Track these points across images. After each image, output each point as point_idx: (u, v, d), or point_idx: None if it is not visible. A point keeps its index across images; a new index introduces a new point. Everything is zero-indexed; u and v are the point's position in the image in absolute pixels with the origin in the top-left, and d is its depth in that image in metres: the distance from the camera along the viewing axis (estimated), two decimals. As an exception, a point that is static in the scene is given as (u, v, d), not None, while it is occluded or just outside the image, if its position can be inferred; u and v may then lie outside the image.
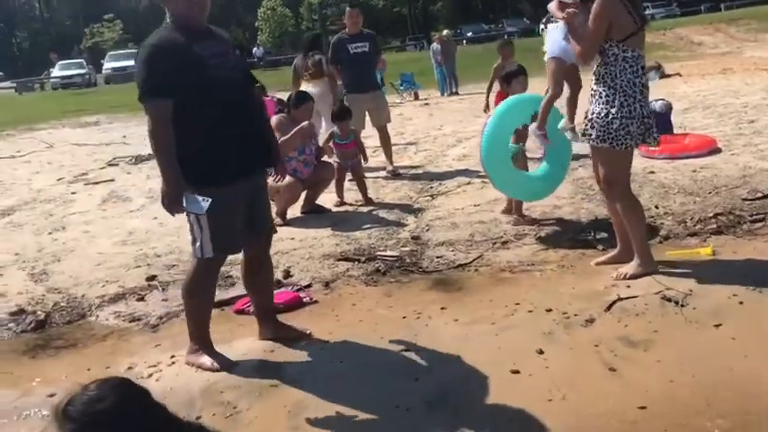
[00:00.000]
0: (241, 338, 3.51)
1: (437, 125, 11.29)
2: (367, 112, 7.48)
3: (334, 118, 6.47)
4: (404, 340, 3.45)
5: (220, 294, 4.03)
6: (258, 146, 3.28)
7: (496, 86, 6.48)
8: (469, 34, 42.17)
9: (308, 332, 3.58)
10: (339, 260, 4.77)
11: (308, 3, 60.42)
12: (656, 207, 5.10)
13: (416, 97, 17.61)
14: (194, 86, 2.98)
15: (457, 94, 17.75)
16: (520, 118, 5.04)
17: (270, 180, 3.66)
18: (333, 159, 6.36)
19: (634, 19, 3.72)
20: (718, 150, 6.68)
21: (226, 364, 3.26)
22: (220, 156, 3.11)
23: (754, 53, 20.04)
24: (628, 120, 3.71)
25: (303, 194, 6.00)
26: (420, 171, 7.59)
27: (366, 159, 6.63)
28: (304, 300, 4.11)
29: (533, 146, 5.69)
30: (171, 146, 3.02)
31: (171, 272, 4.82)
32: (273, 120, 5.34)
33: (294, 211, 5.92)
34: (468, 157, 7.84)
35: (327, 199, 6.29)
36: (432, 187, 6.69)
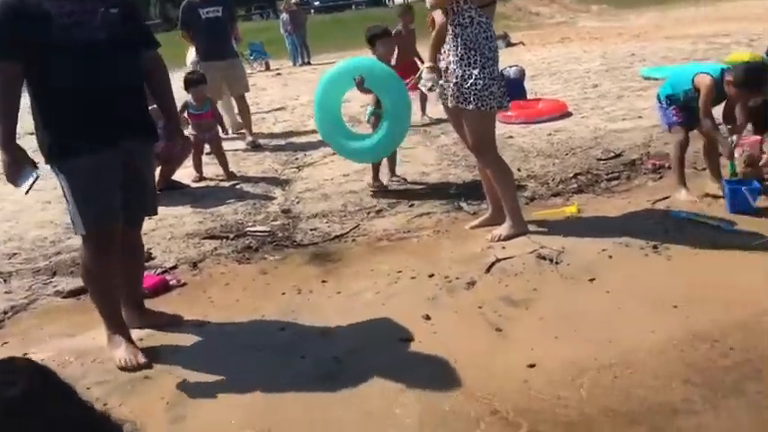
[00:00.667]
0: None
1: (293, 95, 11.04)
2: (223, 81, 7.11)
3: (187, 85, 6.05)
4: (286, 317, 3.29)
5: (77, 281, 3.66)
6: (127, 115, 2.93)
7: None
8: (317, 3, 41.73)
9: (180, 317, 3.32)
10: (205, 238, 4.50)
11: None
12: (519, 170, 5.24)
13: (267, 67, 17.17)
14: (42, 46, 2.68)
15: (309, 63, 17.50)
16: (345, 84, 4.89)
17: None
18: (188, 131, 5.96)
19: None
20: (569, 114, 7.01)
21: (135, 363, 2.94)
22: (70, 123, 2.81)
23: (587, 23, 21.43)
24: (490, 81, 3.76)
25: (157, 170, 5.60)
26: (282, 142, 7.36)
27: (225, 131, 6.30)
28: (171, 283, 3.82)
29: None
30: (11, 111, 2.74)
31: (12, 261, 4.33)
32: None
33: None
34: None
35: (184, 174, 5.92)
36: (297, 158, 6.50)
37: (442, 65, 3.94)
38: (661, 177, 4.79)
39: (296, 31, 18.08)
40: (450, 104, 3.91)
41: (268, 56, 17.71)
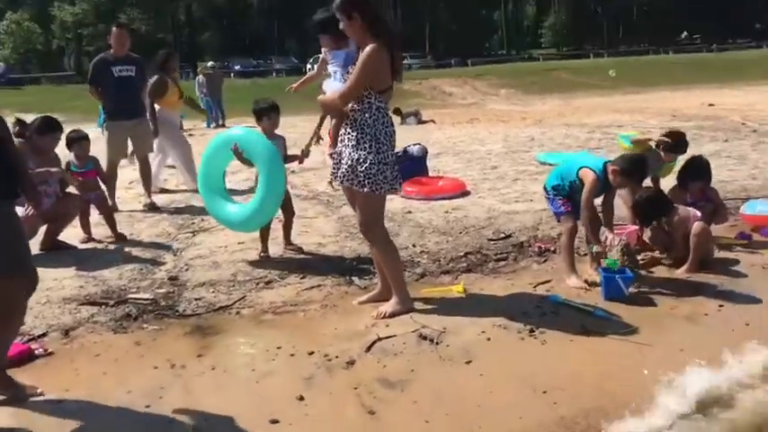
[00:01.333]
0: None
1: (201, 157, 10.88)
2: (130, 141, 7.00)
3: (69, 143, 5.83)
4: (153, 394, 3.14)
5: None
6: None
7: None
8: (238, 67, 42.12)
9: (38, 390, 3.12)
10: (83, 304, 4.28)
11: (60, 20, 56.06)
12: (414, 246, 5.33)
13: (180, 128, 16.92)
14: None
15: (224, 126, 17.40)
16: (226, 156, 5.01)
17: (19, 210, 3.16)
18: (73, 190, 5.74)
19: (392, 76, 3.90)
20: (467, 193, 7.23)
21: None
22: None
23: (495, 105, 22.48)
24: (384, 165, 3.85)
25: (42, 229, 5.35)
26: (182, 205, 7.21)
27: (112, 194, 6.11)
28: (36, 352, 3.59)
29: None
30: None
31: None
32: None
33: (32, 247, 5.22)
34: (230, 192, 7.60)
35: (73, 234, 5.68)
36: (194, 223, 6.36)
37: (339, 147, 4.00)
38: (545, 261, 4.96)
39: (212, 93, 18.08)
40: (343, 184, 3.97)
41: (182, 116, 17.51)
